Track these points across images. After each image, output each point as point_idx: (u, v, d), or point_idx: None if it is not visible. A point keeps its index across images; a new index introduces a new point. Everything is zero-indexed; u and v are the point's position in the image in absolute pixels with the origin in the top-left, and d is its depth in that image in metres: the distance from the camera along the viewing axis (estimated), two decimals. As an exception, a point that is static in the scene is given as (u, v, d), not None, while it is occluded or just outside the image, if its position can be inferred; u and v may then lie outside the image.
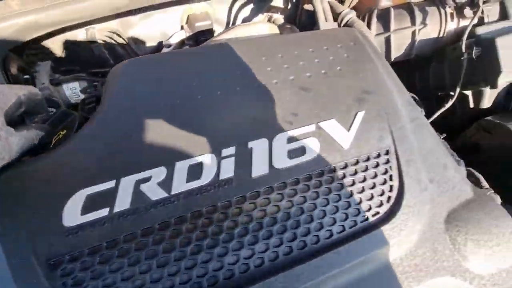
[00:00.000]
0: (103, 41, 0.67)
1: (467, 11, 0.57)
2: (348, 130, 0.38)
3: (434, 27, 0.62)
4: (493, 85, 0.58)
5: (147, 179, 0.31)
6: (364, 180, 0.36)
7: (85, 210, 0.30)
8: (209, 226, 0.30)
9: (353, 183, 0.35)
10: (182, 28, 0.73)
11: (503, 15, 0.61)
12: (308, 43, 0.46)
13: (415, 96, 0.52)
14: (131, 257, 0.29)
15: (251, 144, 0.35)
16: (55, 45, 0.64)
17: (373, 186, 0.35)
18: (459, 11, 0.59)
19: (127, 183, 0.31)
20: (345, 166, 0.36)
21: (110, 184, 0.31)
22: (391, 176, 0.36)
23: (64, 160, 0.33)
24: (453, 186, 0.38)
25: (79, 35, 0.66)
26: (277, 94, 0.40)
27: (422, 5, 0.63)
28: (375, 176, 0.36)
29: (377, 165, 0.37)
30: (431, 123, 0.47)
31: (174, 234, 0.30)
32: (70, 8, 0.54)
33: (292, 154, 0.35)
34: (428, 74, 0.69)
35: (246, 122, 0.37)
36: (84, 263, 0.28)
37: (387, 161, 0.37)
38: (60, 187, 0.31)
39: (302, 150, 0.36)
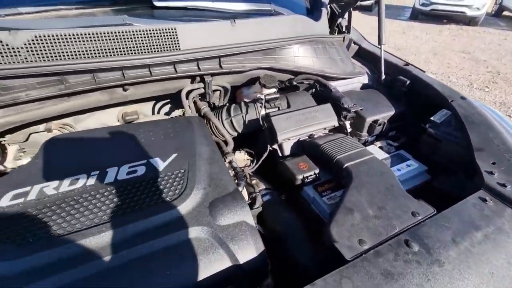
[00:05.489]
0: (58, 130, 1.04)
1: (267, 105, 1.12)
2: (164, 162, 0.77)
3: (253, 113, 1.13)
4: (276, 141, 1.03)
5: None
6: (167, 183, 0.71)
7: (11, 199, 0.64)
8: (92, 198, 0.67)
9: (162, 183, 0.70)
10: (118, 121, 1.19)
11: (288, 105, 1.16)
12: (161, 122, 0.94)
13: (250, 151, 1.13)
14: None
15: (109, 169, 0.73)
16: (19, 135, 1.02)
17: (172, 184, 0.71)
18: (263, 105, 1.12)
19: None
20: (157, 177, 0.71)
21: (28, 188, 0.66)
22: (182, 181, 0.71)
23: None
24: (223, 188, 0.72)
25: (40, 127, 1.03)
26: (133, 147, 0.80)
27: (247, 103, 1.17)
28: (174, 180, 0.71)
29: (177, 176, 0.73)
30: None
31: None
32: (33, 113, 0.92)
33: (128, 174, 0.72)
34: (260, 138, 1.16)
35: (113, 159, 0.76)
36: (8, 218, 0.61)
37: (182, 175, 0.73)
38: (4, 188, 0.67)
39: (134, 172, 0.73)
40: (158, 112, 1.37)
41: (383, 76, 1.42)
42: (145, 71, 1.04)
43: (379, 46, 1.41)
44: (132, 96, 1.10)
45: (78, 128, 1.17)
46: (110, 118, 1.24)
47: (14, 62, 0.84)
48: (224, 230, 0.67)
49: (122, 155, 0.78)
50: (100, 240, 0.61)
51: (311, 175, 0.92)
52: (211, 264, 0.62)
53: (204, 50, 1.08)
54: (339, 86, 1.39)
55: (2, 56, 0.83)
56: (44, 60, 0.87)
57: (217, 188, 0.75)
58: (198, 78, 1.15)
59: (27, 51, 0.85)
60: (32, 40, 0.85)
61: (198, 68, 1.12)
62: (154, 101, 1.35)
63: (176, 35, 1.04)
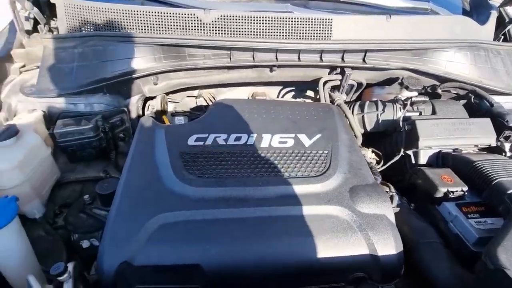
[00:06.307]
0: (204, 98, 1.27)
1: (408, 107, 1.04)
2: (310, 139, 0.83)
3: (389, 113, 1.08)
4: (415, 147, 0.98)
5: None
6: (312, 159, 0.77)
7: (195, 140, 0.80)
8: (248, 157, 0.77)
9: (308, 158, 0.78)
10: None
11: (434, 112, 1.06)
12: (305, 104, 1.10)
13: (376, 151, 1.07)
14: (218, 158, 0.75)
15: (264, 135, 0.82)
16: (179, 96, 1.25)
17: (317, 161, 0.77)
18: (403, 107, 1.04)
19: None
20: (304, 152, 0.79)
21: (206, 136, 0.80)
22: (325, 161, 0.77)
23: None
24: (362, 178, 0.75)
25: (194, 92, 1.26)
26: (283, 120, 0.89)
27: (384, 102, 1.11)
28: (318, 158, 0.78)
29: (320, 155, 0.79)
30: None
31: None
32: (201, 78, 1.11)
33: (280, 143, 0.81)
34: (391, 141, 1.11)
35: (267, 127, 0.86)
36: (193, 155, 0.76)
37: (325, 155, 0.79)
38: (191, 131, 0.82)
39: (284, 142, 0.81)
40: (282, 97, 1.47)
41: None
42: (295, 56, 1.11)
43: None
44: (275, 77, 1.20)
45: (218, 97, 1.36)
46: (244, 95, 1.39)
47: (202, 35, 1.03)
48: (364, 218, 0.67)
49: (274, 126, 0.87)
50: (254, 190, 0.70)
51: (456, 191, 0.82)
52: (348, 245, 0.63)
53: (354, 43, 1.09)
54: (496, 102, 1.18)
55: (195, 30, 1.03)
56: (223, 35, 1.04)
57: (356, 177, 0.76)
58: (338, 69, 1.17)
59: (212, 27, 1.03)
60: (218, 19, 1.02)
61: (342, 59, 1.13)
62: (281, 87, 1.44)
63: (331, 25, 1.07)
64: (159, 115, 1.17)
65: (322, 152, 0.80)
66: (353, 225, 0.66)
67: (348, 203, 0.69)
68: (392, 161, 1.01)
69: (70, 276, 0.56)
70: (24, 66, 1.08)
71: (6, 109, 0.97)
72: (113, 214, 0.64)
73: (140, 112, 1.13)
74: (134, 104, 1.10)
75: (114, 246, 0.59)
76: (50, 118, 0.98)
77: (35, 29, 1.10)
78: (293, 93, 1.46)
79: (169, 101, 1.35)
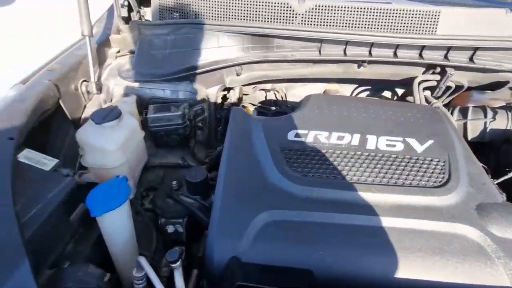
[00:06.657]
0: (274, 92, 1.23)
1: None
2: (421, 145, 0.73)
3: (502, 122, 0.95)
4: None
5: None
6: (428, 168, 0.68)
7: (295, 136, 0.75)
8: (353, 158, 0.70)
9: (423, 166, 0.68)
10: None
11: None
12: (407, 105, 1.00)
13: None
14: (320, 157, 0.69)
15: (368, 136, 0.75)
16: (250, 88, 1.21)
17: (433, 170, 0.68)
18: None
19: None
20: (417, 159, 0.70)
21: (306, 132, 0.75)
22: (443, 171, 0.68)
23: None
24: (488, 194, 0.65)
25: (267, 86, 1.21)
26: (386, 121, 0.80)
27: (494, 108, 0.98)
28: (435, 167, 0.68)
29: (437, 164, 0.69)
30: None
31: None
32: (284, 71, 1.07)
33: (387, 146, 0.73)
34: (499, 154, 0.98)
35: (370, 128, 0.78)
36: (295, 151, 0.71)
37: (443, 164, 0.69)
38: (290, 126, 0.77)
39: (392, 146, 0.73)
40: (356, 95, 1.37)
41: None
42: (390, 52, 1.02)
43: None
44: (362, 74, 1.11)
45: (289, 95, 1.31)
46: (316, 92, 1.32)
47: (292, 25, 0.98)
48: (501, 243, 0.57)
49: (377, 126, 0.79)
50: (366, 195, 0.63)
51: None
52: (483, 273, 0.54)
53: (463, 39, 0.96)
54: None
55: (286, 19, 0.98)
56: (314, 26, 0.98)
57: (481, 192, 0.66)
58: (438, 69, 1.05)
59: (304, 17, 0.98)
60: (312, 9, 0.97)
61: (445, 57, 1.01)
62: (356, 85, 1.34)
63: (438, 18, 0.96)
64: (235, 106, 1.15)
65: (438, 161, 0.70)
66: (487, 249, 0.56)
67: (478, 222, 0.59)
68: (506, 177, 0.88)
69: (181, 264, 0.55)
70: (119, 51, 1.12)
71: (106, 91, 1.01)
72: (218, 207, 0.62)
73: (219, 102, 1.12)
74: (214, 94, 1.09)
75: (225, 239, 0.57)
76: (140, 103, 1.01)
77: (129, 16, 1.14)
78: (367, 92, 1.37)
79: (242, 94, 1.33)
